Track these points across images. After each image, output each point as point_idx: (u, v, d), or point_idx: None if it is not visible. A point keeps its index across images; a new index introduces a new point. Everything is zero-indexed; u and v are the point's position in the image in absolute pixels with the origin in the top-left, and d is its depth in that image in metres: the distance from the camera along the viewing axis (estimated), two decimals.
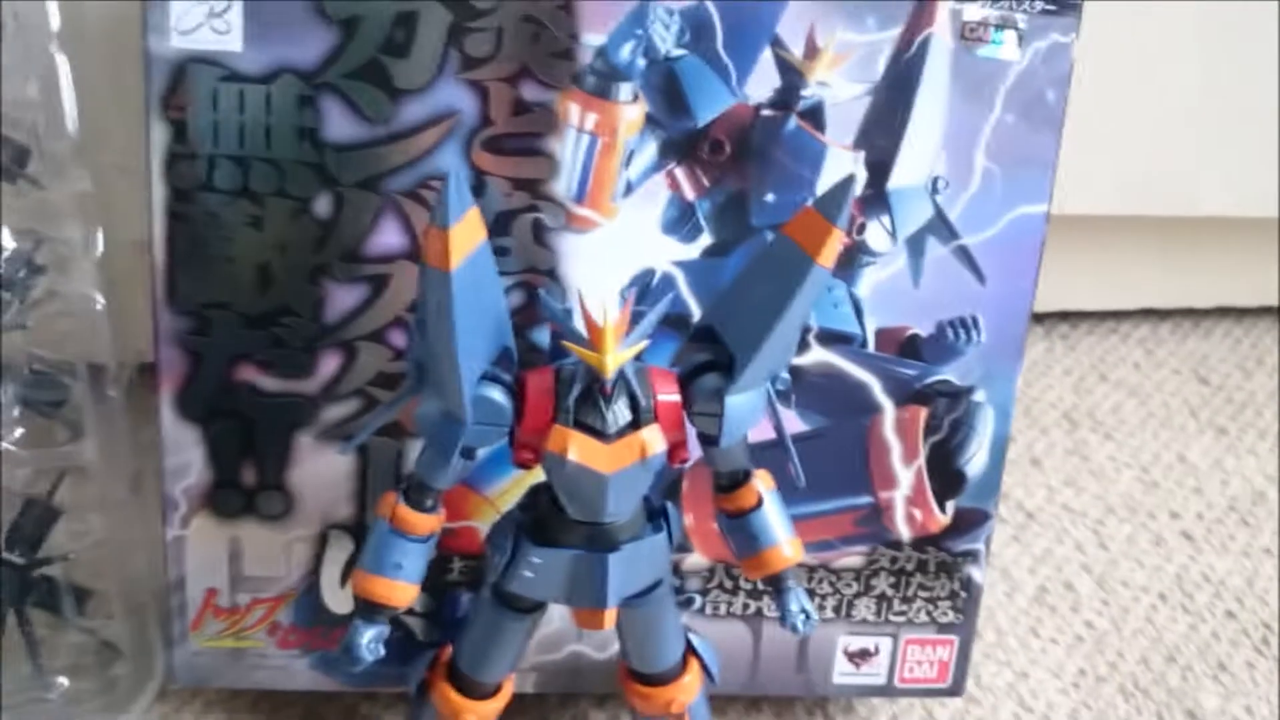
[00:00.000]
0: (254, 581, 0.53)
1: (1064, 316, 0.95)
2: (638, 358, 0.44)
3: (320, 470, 0.52)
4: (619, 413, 0.42)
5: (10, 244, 0.50)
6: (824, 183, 0.49)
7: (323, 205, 0.48)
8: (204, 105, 0.47)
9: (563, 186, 0.49)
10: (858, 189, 0.50)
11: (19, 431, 0.52)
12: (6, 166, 0.50)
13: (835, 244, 0.41)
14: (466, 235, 0.39)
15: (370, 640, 0.44)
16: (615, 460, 0.42)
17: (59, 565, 0.53)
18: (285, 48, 0.46)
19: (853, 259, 0.51)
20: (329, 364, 0.50)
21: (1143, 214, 0.86)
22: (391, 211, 0.49)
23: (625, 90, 0.48)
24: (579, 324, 0.41)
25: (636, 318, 0.42)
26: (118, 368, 0.53)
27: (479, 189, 0.49)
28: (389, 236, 0.49)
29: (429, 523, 0.45)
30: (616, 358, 0.41)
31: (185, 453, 0.51)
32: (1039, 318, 0.95)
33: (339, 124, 0.48)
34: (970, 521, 0.55)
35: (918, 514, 0.54)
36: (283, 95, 0.47)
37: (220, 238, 0.49)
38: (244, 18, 0.46)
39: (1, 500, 0.52)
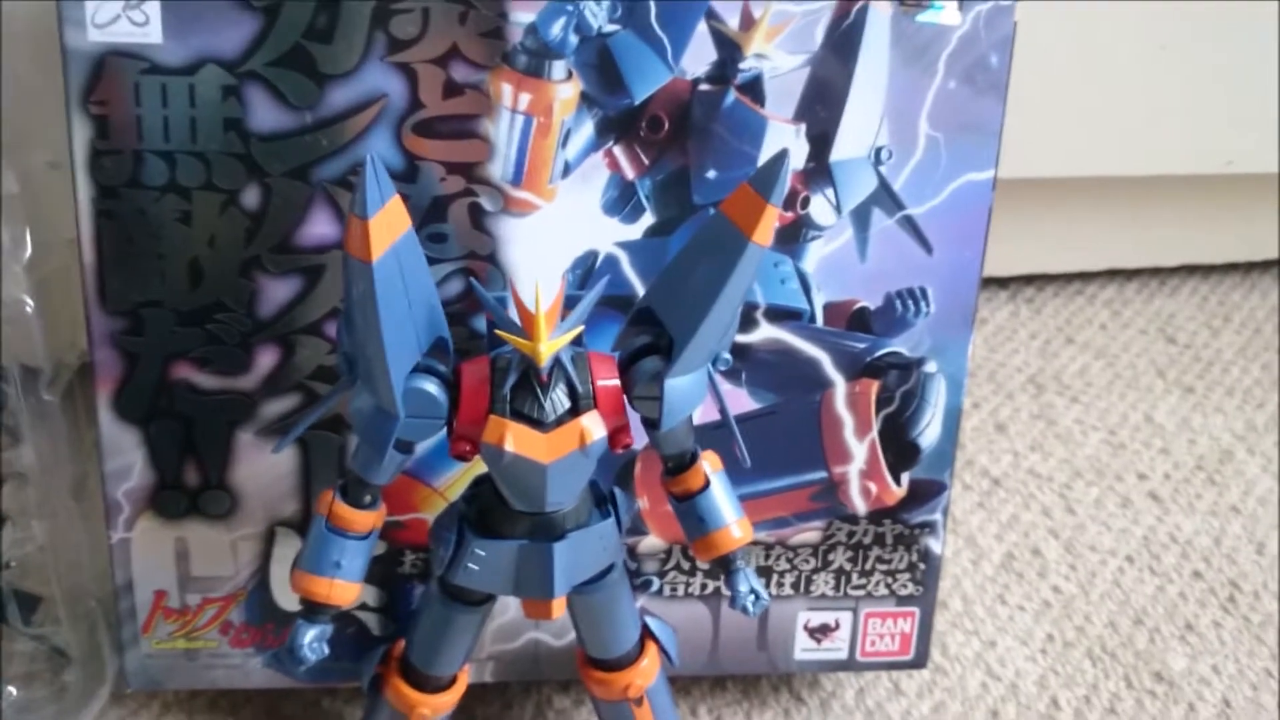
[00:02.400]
0: (203, 581, 0.53)
1: (1029, 280, 0.95)
2: (578, 342, 0.43)
3: (262, 468, 0.51)
4: (557, 400, 0.41)
5: None
6: (765, 157, 0.48)
7: (251, 197, 0.47)
8: (126, 100, 0.46)
9: (499, 169, 0.48)
10: (799, 162, 0.49)
11: None
12: None
13: (770, 221, 0.40)
14: (388, 224, 0.38)
15: (312, 640, 0.44)
16: (554, 449, 0.41)
17: (2, 573, 0.52)
18: (206, 37, 0.45)
19: (798, 234, 0.50)
20: (266, 359, 0.49)
21: (1103, 174, 0.86)
22: (322, 201, 0.48)
23: (558, 68, 0.47)
24: (513, 311, 0.40)
25: (572, 303, 0.41)
26: (54, 370, 0.52)
27: (412, 174, 0.48)
28: (321, 226, 0.48)
29: (368, 519, 0.44)
30: (550, 345, 0.40)
31: (126, 455, 0.50)
32: (1003, 282, 0.94)
33: (265, 113, 0.46)
34: (926, 493, 0.55)
35: (873, 487, 0.54)
36: (206, 86, 0.46)
37: (149, 234, 0.47)
38: (162, 9, 0.45)
39: None
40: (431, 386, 0.41)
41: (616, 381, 0.43)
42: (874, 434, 0.53)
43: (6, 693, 0.52)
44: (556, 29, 0.46)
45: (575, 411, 0.42)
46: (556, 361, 0.41)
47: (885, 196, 0.50)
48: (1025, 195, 0.80)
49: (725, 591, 0.46)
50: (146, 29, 0.45)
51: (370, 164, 0.37)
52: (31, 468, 0.52)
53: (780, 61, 0.47)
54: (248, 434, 0.50)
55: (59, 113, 0.46)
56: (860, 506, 0.54)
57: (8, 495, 0.52)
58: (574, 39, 0.46)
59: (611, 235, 0.49)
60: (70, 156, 0.46)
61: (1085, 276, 0.96)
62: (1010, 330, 0.91)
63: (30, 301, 0.50)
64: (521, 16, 0.46)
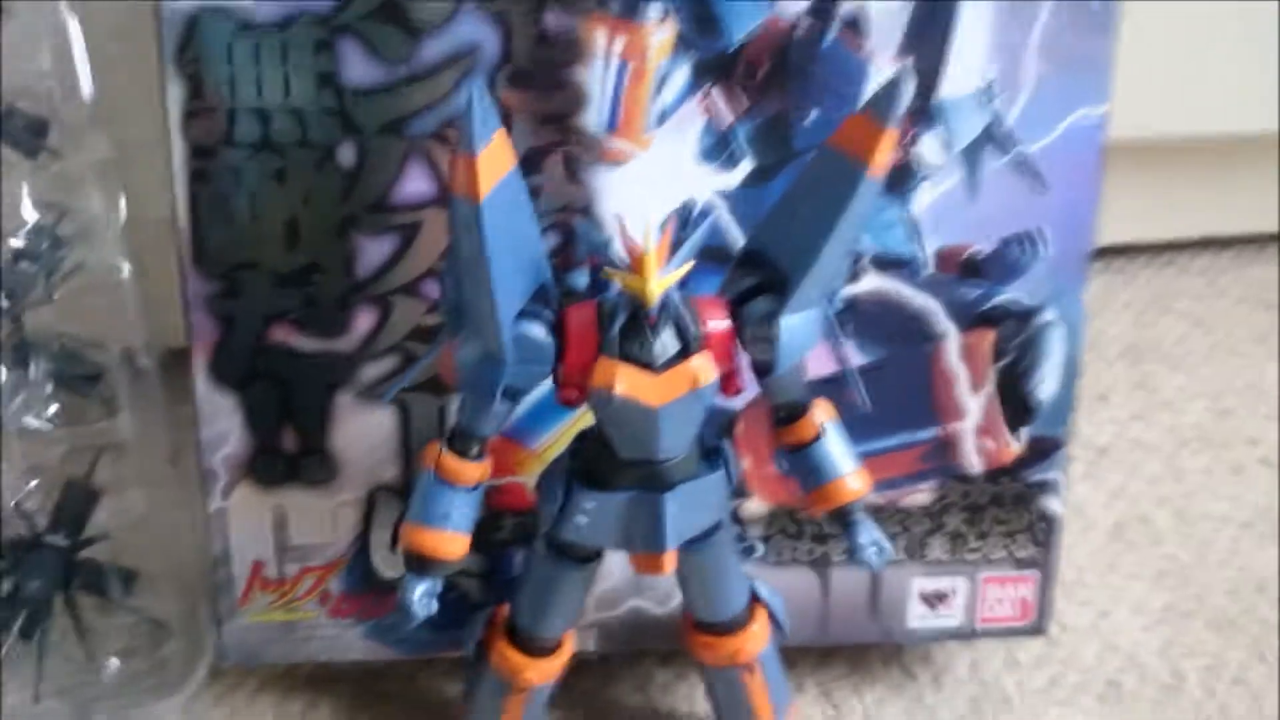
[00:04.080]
0: (301, 550, 0.52)
1: (1119, 251, 0.92)
2: (683, 287, 0.41)
3: (362, 431, 0.50)
4: (666, 342, 0.40)
5: (33, 217, 0.49)
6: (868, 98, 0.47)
7: (346, 153, 0.47)
8: (219, 58, 0.45)
9: (593, 118, 0.47)
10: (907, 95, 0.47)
11: (53, 409, 0.51)
12: (24, 139, 0.48)
13: (888, 148, 0.39)
14: (495, 161, 0.37)
15: (422, 595, 0.43)
16: (665, 392, 0.40)
17: (103, 546, 0.52)
18: None
19: (905, 177, 0.49)
20: (364, 320, 0.49)
21: (1190, 135, 0.82)
22: (417, 157, 0.47)
23: (653, 10, 0.45)
24: (619, 250, 0.39)
25: (678, 244, 0.40)
26: (150, 337, 0.52)
27: (506, 126, 0.46)
28: (416, 183, 0.47)
29: (475, 471, 0.43)
30: (660, 283, 0.39)
31: (222, 421, 0.50)
32: (1094, 253, 0.91)
33: (358, 67, 0.46)
34: (1044, 449, 0.52)
35: (989, 445, 0.52)
36: (299, 41, 0.45)
37: (244, 194, 0.47)
38: None
39: (38, 482, 0.50)
40: (538, 331, 0.40)
41: (727, 323, 0.41)
42: (990, 388, 0.51)
43: (109, 666, 0.52)
44: None
45: (685, 354, 0.40)
46: (665, 301, 0.40)
47: (997, 134, 0.48)
48: (1115, 162, 0.78)
49: (838, 557, 0.45)
50: None
51: (476, 97, 0.36)
52: (129, 439, 0.51)
53: None
54: (346, 397, 0.49)
55: (151, 70, 0.46)
56: (975, 465, 0.52)
57: (106, 466, 0.52)
58: None
59: (709, 183, 0.48)
60: (165, 117, 0.46)
61: (1176, 246, 0.93)
62: (1104, 301, 0.88)
63: (126, 267, 0.50)
64: None
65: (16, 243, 0.49)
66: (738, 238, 0.48)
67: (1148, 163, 0.85)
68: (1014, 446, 0.52)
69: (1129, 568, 0.64)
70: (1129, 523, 0.68)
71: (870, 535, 0.43)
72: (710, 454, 0.44)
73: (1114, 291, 0.89)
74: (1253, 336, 0.84)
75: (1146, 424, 0.76)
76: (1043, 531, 0.54)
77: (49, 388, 0.51)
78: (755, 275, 0.42)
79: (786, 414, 0.44)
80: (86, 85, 0.49)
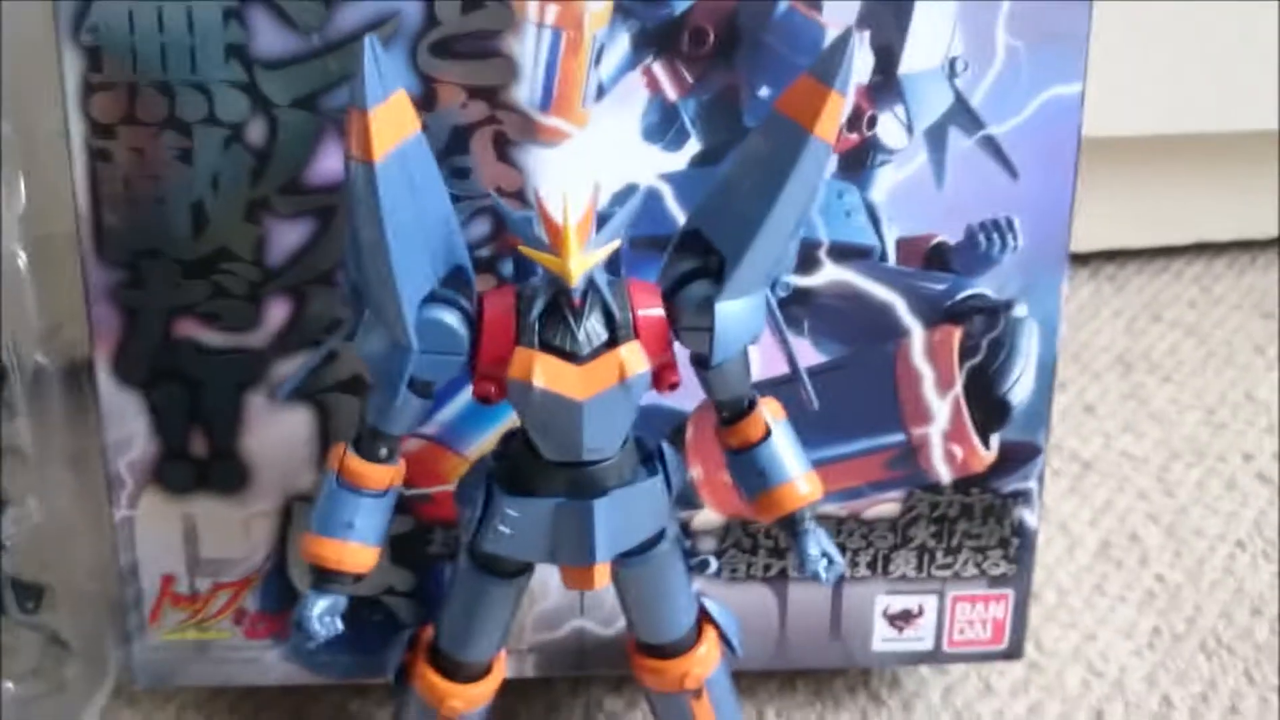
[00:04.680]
0: (214, 564, 0.48)
1: (1110, 256, 0.88)
2: (615, 272, 0.38)
3: (277, 435, 0.46)
4: (592, 330, 0.36)
5: None
6: None
7: (256, 131, 0.43)
8: (119, 28, 0.42)
9: (525, 93, 0.43)
10: (863, 77, 0.43)
11: None
12: None
13: (835, 112, 0.35)
14: (392, 120, 0.34)
15: (323, 612, 0.39)
16: (590, 384, 0.36)
17: (1, 558, 0.48)
18: None
19: (865, 159, 0.45)
20: (277, 312, 0.45)
21: (1182, 132, 0.79)
22: (333, 134, 0.43)
23: None
24: (539, 229, 0.35)
25: (605, 220, 0.36)
26: (49, 332, 0.48)
27: (429, 101, 0.43)
28: (332, 161, 0.43)
29: (384, 474, 0.39)
30: (581, 261, 0.35)
31: (127, 423, 0.46)
32: (1082, 259, 0.88)
33: (269, 37, 0.42)
34: (1019, 457, 0.48)
35: (958, 451, 0.48)
36: (205, 9, 0.42)
37: (147, 175, 0.43)
38: None
39: None
40: (449, 317, 0.37)
41: (660, 310, 0.37)
42: (958, 389, 0.47)
43: (5, 689, 0.48)
44: None
45: (614, 343, 0.36)
46: (590, 284, 0.36)
47: (962, 114, 0.44)
48: (1102, 162, 0.74)
49: (797, 572, 0.40)
50: None
51: (369, 48, 0.33)
52: (27, 441, 0.48)
53: None
54: (259, 397, 0.46)
55: (49, 39, 0.42)
56: (944, 474, 0.48)
57: (3, 473, 0.48)
58: None
59: (653, 165, 0.44)
60: (62, 92, 0.42)
61: (1170, 251, 0.89)
62: (1093, 309, 0.84)
63: (23, 255, 0.46)
64: None
65: None
66: (679, 219, 0.44)
67: (1138, 163, 0.81)
68: (985, 453, 0.48)
69: (1116, 588, 0.60)
70: (1116, 540, 0.64)
71: (819, 546, 0.39)
72: (648, 458, 0.40)
73: (1103, 299, 0.85)
74: (1249, 346, 0.80)
75: (1136, 436, 0.72)
76: (1017, 547, 0.49)
77: None
78: (693, 259, 0.38)
79: (730, 413, 0.40)
80: None
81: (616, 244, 0.36)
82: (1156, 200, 0.85)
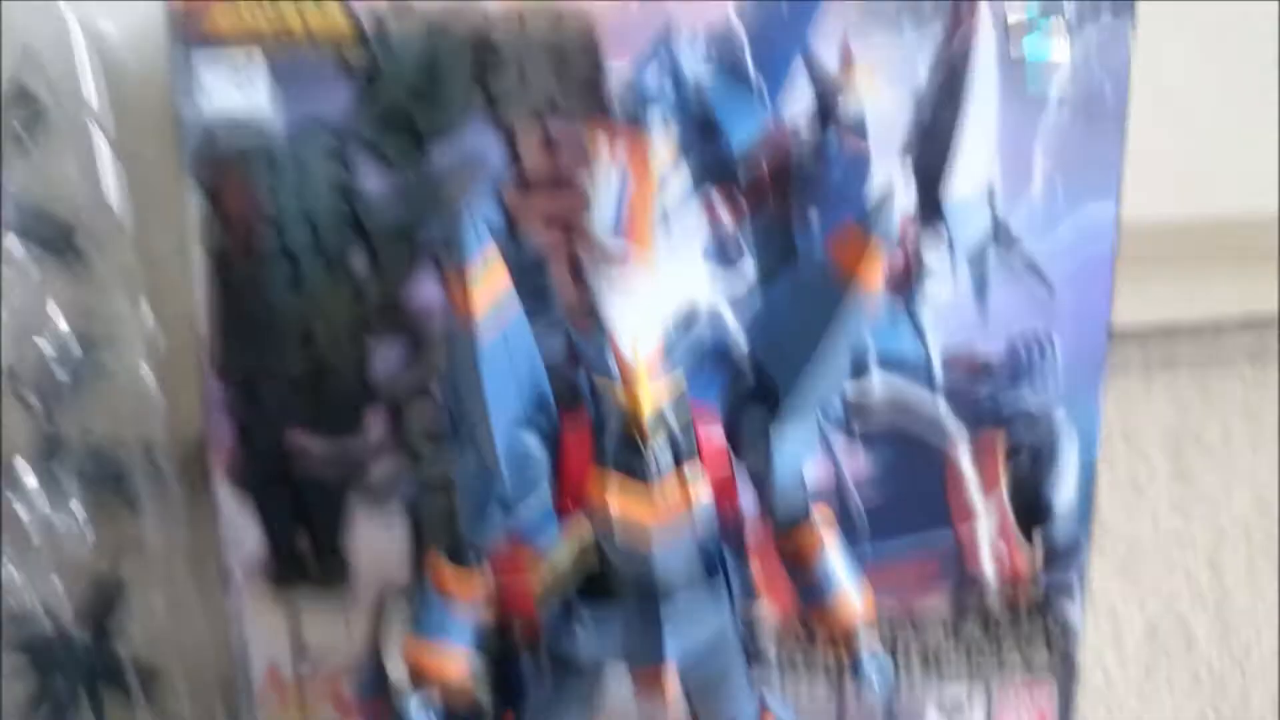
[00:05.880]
0: (316, 653, 0.52)
1: (1160, 331, 0.90)
2: (680, 395, 0.41)
3: (374, 533, 0.50)
4: (660, 456, 0.40)
5: (63, 324, 0.51)
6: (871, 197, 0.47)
7: (359, 260, 0.48)
8: (236, 166, 0.47)
9: (597, 221, 0.47)
10: (906, 201, 0.47)
11: (78, 509, 0.52)
12: (54, 243, 0.50)
13: (879, 262, 0.38)
14: (488, 276, 0.38)
15: (419, 709, 0.42)
16: (659, 508, 0.39)
17: (125, 644, 0.53)
18: (312, 104, 0.46)
19: (910, 276, 0.48)
20: (376, 423, 0.49)
21: (1232, 217, 0.81)
22: (427, 261, 0.48)
23: (654, 116, 0.46)
24: (612, 362, 0.39)
25: (672, 352, 0.40)
26: (172, 440, 0.53)
27: (511, 230, 0.47)
28: (427, 286, 0.48)
29: (474, 582, 0.43)
30: (650, 396, 0.39)
31: (239, 523, 0.50)
32: (1132, 335, 0.90)
33: (370, 175, 0.47)
34: (1062, 555, 0.51)
35: (1003, 549, 0.51)
36: (312, 151, 0.47)
37: (261, 301, 0.48)
38: (270, 77, 0.46)
39: (63, 580, 0.52)
40: (533, 443, 0.41)
41: (721, 434, 0.41)
42: (1002, 491, 0.50)
43: None
44: (651, 77, 0.45)
45: (680, 468, 0.40)
46: (658, 415, 0.40)
47: (1001, 235, 0.48)
48: (1151, 241, 0.76)
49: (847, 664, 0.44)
50: (255, 98, 0.46)
51: (466, 214, 0.37)
52: (151, 537, 0.52)
53: (883, 99, 0.46)
54: (359, 499, 0.50)
55: (174, 181, 0.47)
56: (990, 571, 0.51)
57: (128, 565, 0.53)
58: (669, 86, 0.46)
59: (713, 285, 0.48)
60: (185, 227, 0.48)
61: (1221, 326, 0.91)
62: (1142, 385, 0.86)
63: (150, 372, 0.51)
64: (617, 67, 0.46)
65: (47, 348, 0.51)
66: (740, 339, 0.48)
67: (1188, 241, 0.83)
68: (1029, 552, 0.51)
69: (1163, 674, 0.62)
70: (1164, 625, 0.65)
71: (871, 656, 0.42)
72: (711, 563, 0.44)
73: (1152, 375, 0.87)
74: None
75: (1185, 517, 0.73)
76: (1060, 639, 0.52)
77: (75, 488, 0.52)
78: (751, 385, 0.41)
79: (786, 525, 0.43)
80: (113, 193, 0.51)
81: (681, 381, 0.40)
82: (1205, 276, 0.87)
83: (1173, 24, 0.58)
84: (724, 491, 0.41)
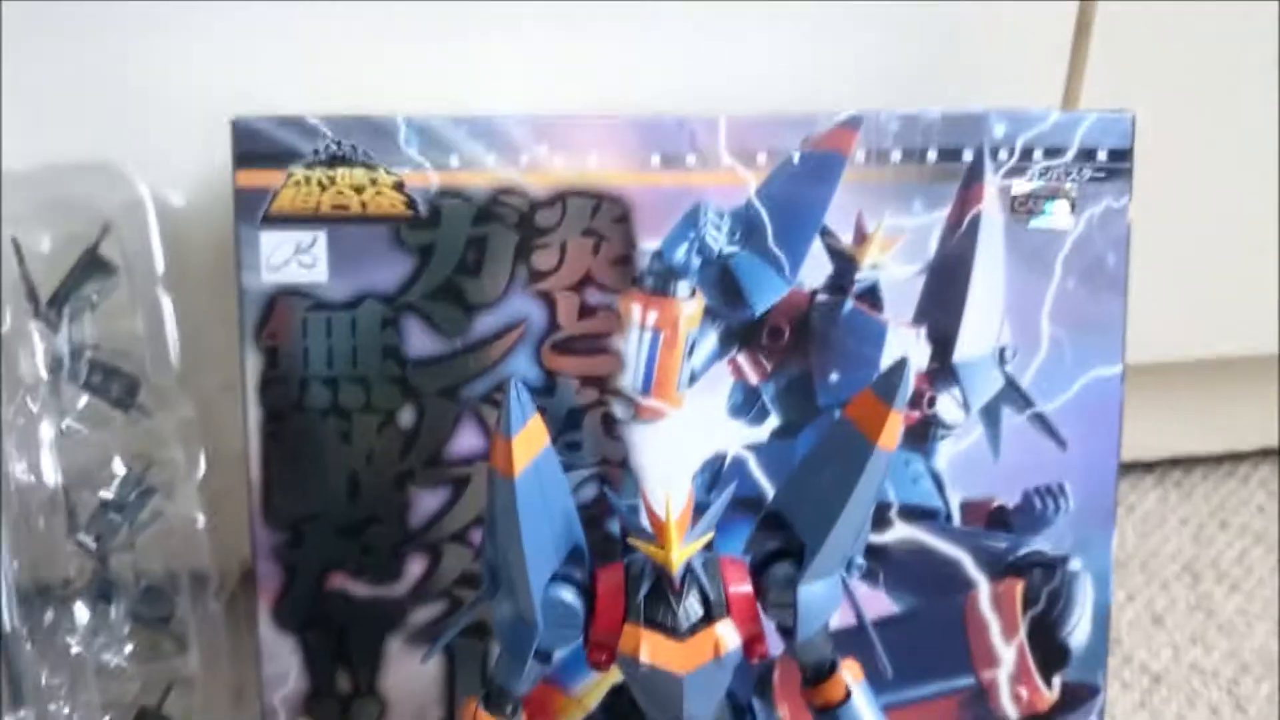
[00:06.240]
0: None
1: (1175, 463, 0.91)
2: (708, 547, 0.44)
3: (410, 674, 0.52)
4: (690, 609, 0.42)
5: (121, 470, 0.54)
6: (887, 359, 0.50)
7: (407, 416, 0.51)
8: (294, 332, 0.50)
9: (629, 380, 0.50)
10: (922, 363, 0.50)
11: (129, 647, 0.54)
12: (119, 398, 0.53)
13: (895, 427, 0.41)
14: (529, 442, 0.41)
15: None
16: (689, 659, 0.41)
17: None
18: (368, 275, 0.50)
19: (927, 432, 0.51)
20: (415, 567, 0.52)
21: (1245, 354, 0.83)
22: (470, 416, 0.51)
23: (683, 287, 0.50)
24: (644, 518, 0.42)
25: (701, 508, 0.42)
26: (219, 580, 0.55)
27: (550, 388, 0.50)
28: (468, 439, 0.51)
29: None
30: (681, 553, 0.41)
31: (282, 661, 0.52)
32: (1148, 466, 0.91)
33: (419, 340, 0.50)
34: (1079, 696, 0.52)
35: (1024, 692, 0.52)
36: (366, 318, 0.50)
37: (312, 454, 0.51)
38: (328, 250, 0.49)
39: (112, 716, 0.53)
40: (569, 595, 0.43)
41: (749, 588, 0.43)
42: (1021, 636, 0.52)
43: None
44: (680, 253, 0.49)
45: (709, 619, 0.42)
46: (689, 568, 0.42)
47: (1013, 394, 0.51)
48: (1166, 376, 0.79)
49: None
50: (314, 269, 0.50)
51: (514, 386, 0.40)
52: (196, 674, 0.54)
53: (896, 271, 0.49)
54: (397, 641, 0.52)
55: (230, 340, 0.51)
56: (1012, 713, 0.52)
57: (175, 699, 0.54)
58: (696, 261, 0.49)
59: (738, 438, 0.51)
60: (242, 385, 0.51)
61: (1236, 457, 0.92)
62: (1160, 516, 0.87)
63: (202, 518, 0.54)
64: (648, 244, 0.49)
65: (106, 494, 0.53)
66: (766, 488, 0.51)
67: (1204, 375, 0.85)
68: (1048, 694, 0.52)
69: None
70: None
71: None
72: (741, 713, 0.45)
73: (1171, 506, 0.88)
74: None
75: (1205, 648, 0.74)
76: None
77: (127, 627, 0.54)
78: (777, 539, 0.44)
79: (813, 674, 0.45)
80: (175, 352, 0.54)
81: (710, 536, 0.42)
82: (1220, 409, 0.88)
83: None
84: (752, 643, 0.43)
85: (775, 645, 0.44)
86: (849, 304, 0.50)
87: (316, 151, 0.49)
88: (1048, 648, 0.52)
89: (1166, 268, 0.53)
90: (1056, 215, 0.49)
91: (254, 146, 0.49)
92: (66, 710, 0.53)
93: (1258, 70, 0.66)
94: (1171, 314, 0.56)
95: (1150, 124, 0.50)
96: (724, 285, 0.50)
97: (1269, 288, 0.79)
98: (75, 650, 0.54)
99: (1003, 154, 0.49)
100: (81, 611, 0.54)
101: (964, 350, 0.50)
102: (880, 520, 0.51)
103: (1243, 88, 0.66)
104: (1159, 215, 0.54)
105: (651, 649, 0.41)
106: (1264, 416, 0.90)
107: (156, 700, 0.54)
